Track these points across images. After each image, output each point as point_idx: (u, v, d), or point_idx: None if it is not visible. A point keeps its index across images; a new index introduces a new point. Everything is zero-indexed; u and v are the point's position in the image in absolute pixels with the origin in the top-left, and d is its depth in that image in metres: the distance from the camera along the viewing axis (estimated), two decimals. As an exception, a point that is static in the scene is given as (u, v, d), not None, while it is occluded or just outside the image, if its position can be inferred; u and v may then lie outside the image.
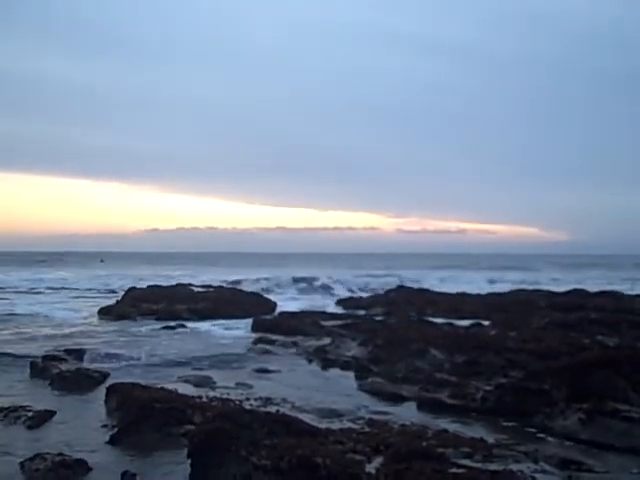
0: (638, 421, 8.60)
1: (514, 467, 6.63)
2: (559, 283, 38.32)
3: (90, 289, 40.28)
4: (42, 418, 9.56)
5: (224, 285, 36.53)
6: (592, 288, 28.81)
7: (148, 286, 32.36)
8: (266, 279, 44.09)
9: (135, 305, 25.46)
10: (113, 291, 37.79)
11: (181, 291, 30.69)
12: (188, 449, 7.09)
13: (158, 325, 21.29)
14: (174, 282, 37.50)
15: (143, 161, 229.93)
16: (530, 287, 33.92)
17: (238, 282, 39.65)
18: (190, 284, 35.88)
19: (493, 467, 6.52)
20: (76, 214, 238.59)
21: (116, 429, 8.73)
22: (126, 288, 32.01)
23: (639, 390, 9.73)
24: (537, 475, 6.45)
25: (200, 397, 10.03)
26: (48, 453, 7.61)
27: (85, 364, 13.79)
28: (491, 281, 46.65)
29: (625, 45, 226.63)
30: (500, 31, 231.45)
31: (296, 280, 43.48)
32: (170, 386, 11.00)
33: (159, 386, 10.84)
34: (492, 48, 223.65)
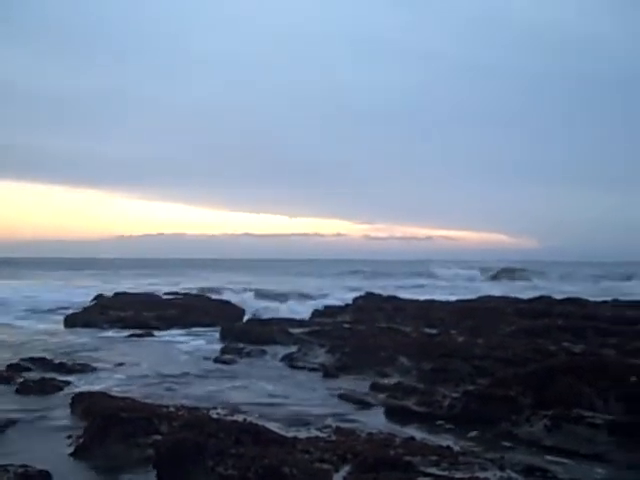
0: (602, 427, 8.69)
1: (480, 474, 6.65)
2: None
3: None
4: (4, 428, 9.42)
5: (194, 292, 36.30)
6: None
7: (115, 293, 32.04)
8: (234, 286, 44.01)
9: (103, 313, 25.17)
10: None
11: (149, 298, 30.47)
12: (154, 460, 7.04)
13: (126, 333, 21.12)
14: (142, 289, 37.28)
15: (109, 167, 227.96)
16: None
17: (210, 289, 39.41)
18: (157, 292, 35.70)
19: (459, 475, 6.55)
20: (38, 219, 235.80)
21: (81, 439, 8.60)
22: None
23: (603, 397, 9.84)
24: (503, 482, 6.48)
25: (167, 406, 9.93)
26: (11, 465, 7.48)
27: (50, 373, 13.62)
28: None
29: (568, 47, 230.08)
30: (467, 39, 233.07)
31: (264, 288, 43.44)
32: (137, 395, 10.92)
33: (125, 395, 10.75)
34: (459, 55, 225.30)
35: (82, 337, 20.31)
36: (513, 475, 6.93)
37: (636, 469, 7.77)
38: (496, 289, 41.15)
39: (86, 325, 23.22)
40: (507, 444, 8.93)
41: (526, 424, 9.46)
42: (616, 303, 25.53)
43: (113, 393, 10.89)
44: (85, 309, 26.51)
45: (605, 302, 26.11)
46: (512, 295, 30.07)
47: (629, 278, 64.15)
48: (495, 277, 66.28)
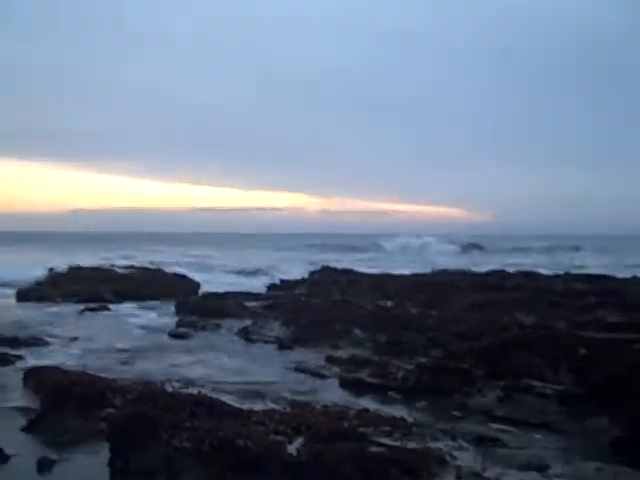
0: (552, 398, 8.88)
1: (432, 445, 6.75)
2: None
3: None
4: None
5: (149, 266, 35.96)
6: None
7: (69, 267, 31.61)
8: (193, 260, 43.85)
9: (56, 287, 24.86)
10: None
11: (103, 272, 30.15)
12: (107, 433, 7.00)
13: (80, 307, 20.86)
14: (97, 263, 36.82)
15: (66, 139, 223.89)
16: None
17: (165, 263, 39.08)
18: (112, 266, 35.33)
19: (412, 445, 6.63)
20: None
21: (33, 414, 8.54)
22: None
23: (554, 368, 10.04)
24: (454, 452, 6.58)
25: (121, 380, 9.89)
26: (-38, 441, 7.40)
27: (2, 347, 13.43)
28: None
29: (530, 24, 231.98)
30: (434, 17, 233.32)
31: (222, 260, 43.33)
32: (90, 369, 10.83)
33: (79, 369, 10.66)
34: (425, 33, 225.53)
35: (35, 311, 20.04)
36: (464, 445, 7.05)
37: (584, 438, 7.94)
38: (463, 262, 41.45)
39: (39, 299, 22.92)
40: (459, 415, 9.07)
41: (478, 395, 9.62)
42: (567, 276, 25.98)
43: (66, 367, 10.78)
44: (38, 283, 26.13)
45: (557, 276, 26.56)
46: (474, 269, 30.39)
47: (577, 249, 65.58)
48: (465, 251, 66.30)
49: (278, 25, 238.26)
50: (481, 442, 7.33)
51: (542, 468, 6.22)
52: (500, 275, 26.67)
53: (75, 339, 14.89)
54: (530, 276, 26.00)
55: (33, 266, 37.46)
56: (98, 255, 51.62)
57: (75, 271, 29.77)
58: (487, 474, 5.92)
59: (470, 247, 68.64)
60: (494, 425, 8.47)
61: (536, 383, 9.34)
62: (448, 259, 49.67)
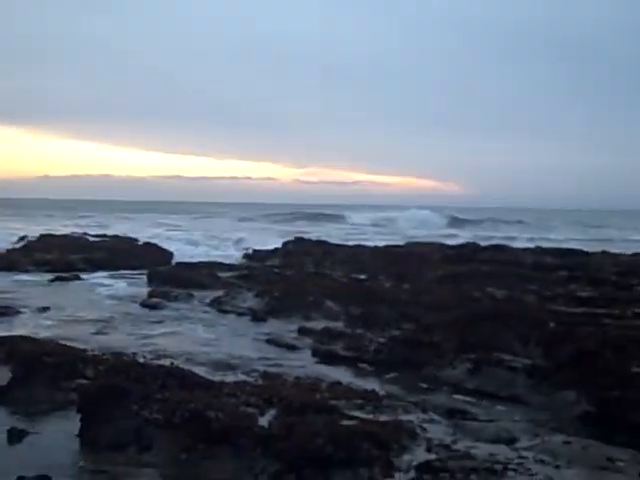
0: (521, 370, 8.98)
1: (403, 417, 6.80)
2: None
3: None
4: None
5: (121, 235, 35.67)
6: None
7: (41, 235, 31.29)
8: (164, 229, 43.63)
9: (27, 255, 24.58)
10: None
11: (75, 241, 29.88)
12: (78, 404, 6.96)
13: (51, 276, 20.65)
14: (69, 231, 36.50)
15: (32, 104, 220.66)
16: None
17: (137, 232, 38.82)
18: (85, 233, 35.04)
19: (383, 417, 6.68)
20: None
21: (3, 384, 8.46)
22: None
23: (523, 341, 10.14)
24: (425, 424, 6.64)
25: (92, 350, 9.83)
26: None
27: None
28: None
29: None
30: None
31: (194, 230, 43.17)
32: (62, 339, 10.75)
33: (50, 339, 10.58)
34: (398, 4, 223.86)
35: (4, 280, 19.83)
36: (435, 417, 7.11)
37: (553, 411, 8.05)
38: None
39: (9, 268, 22.59)
40: (430, 387, 9.16)
41: (449, 368, 9.70)
42: (538, 250, 26.15)
43: (37, 337, 10.69)
44: (8, 251, 25.87)
45: (528, 249, 26.74)
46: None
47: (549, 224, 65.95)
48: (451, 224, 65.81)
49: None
50: (451, 415, 7.40)
51: (511, 441, 6.28)
52: (471, 247, 26.80)
53: (46, 309, 14.75)
54: (501, 249, 26.14)
55: (3, 234, 37.05)
56: (69, 223, 51.19)
57: (46, 239, 29.48)
58: (457, 446, 5.98)
59: (455, 220, 68.31)
60: (464, 398, 8.57)
61: (506, 356, 9.44)
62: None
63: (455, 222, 65.43)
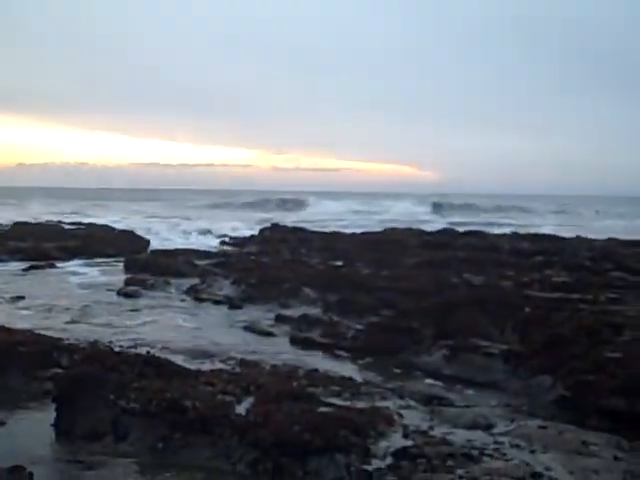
0: (497, 356, 9.04)
1: (381, 404, 6.81)
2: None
3: None
4: None
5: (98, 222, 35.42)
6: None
7: (15, 223, 30.97)
8: (141, 217, 43.34)
9: (0, 244, 24.30)
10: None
11: (50, 228, 29.62)
12: (53, 394, 6.91)
13: (26, 264, 20.43)
14: (43, 219, 36.21)
15: (4, 91, 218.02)
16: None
17: (115, 220, 38.60)
18: (60, 221, 34.76)
19: (361, 404, 6.69)
20: None
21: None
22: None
23: (500, 327, 10.20)
24: (402, 411, 6.65)
25: (68, 339, 9.75)
26: None
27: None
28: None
29: None
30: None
31: (170, 218, 42.97)
32: (37, 328, 10.65)
33: (25, 328, 10.47)
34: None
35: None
36: (412, 403, 7.13)
37: (527, 395, 8.11)
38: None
39: (-18, 257, 22.37)
40: (408, 374, 9.19)
41: (426, 354, 9.75)
42: (514, 235, 26.33)
43: (12, 326, 10.59)
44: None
45: (504, 235, 26.91)
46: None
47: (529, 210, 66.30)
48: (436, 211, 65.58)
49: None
50: (428, 401, 7.43)
51: (487, 426, 6.32)
52: (449, 233, 26.93)
53: (21, 298, 14.61)
54: (478, 235, 26.29)
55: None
56: (44, 211, 50.74)
57: (20, 227, 29.19)
58: (434, 432, 6.00)
59: (440, 207, 68.32)
60: (441, 384, 8.61)
61: (482, 342, 9.50)
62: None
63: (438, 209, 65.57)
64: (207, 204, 73.14)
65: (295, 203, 70.41)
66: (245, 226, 36.41)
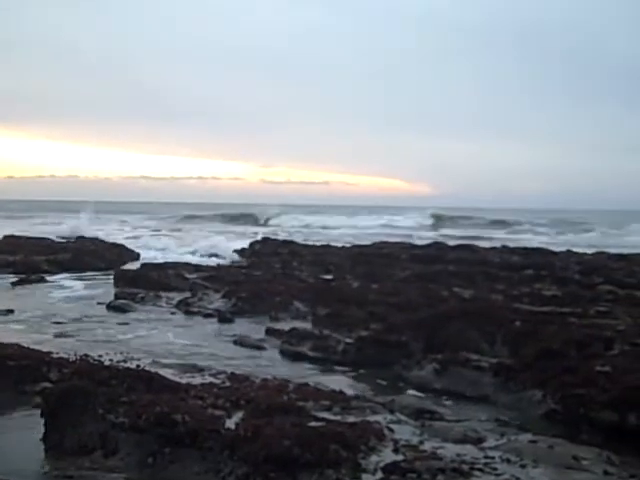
0: (487, 370, 9.04)
1: (371, 418, 6.80)
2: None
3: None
4: None
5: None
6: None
7: (4, 236, 30.84)
8: (131, 230, 43.25)
9: (-11, 257, 24.19)
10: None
11: (40, 242, 29.53)
12: (42, 408, 6.87)
13: (15, 278, 20.33)
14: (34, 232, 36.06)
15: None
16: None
17: (107, 234, 38.48)
18: (49, 234, 34.62)
19: (351, 419, 6.67)
20: None
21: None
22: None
23: (489, 340, 10.23)
24: (392, 425, 6.64)
25: (57, 353, 9.70)
26: None
27: None
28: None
29: None
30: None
31: (161, 231, 42.91)
32: (26, 342, 10.59)
33: (13, 342, 10.42)
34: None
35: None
36: (402, 417, 7.12)
37: (518, 409, 8.12)
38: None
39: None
40: (398, 388, 9.18)
41: (416, 368, 9.74)
42: (504, 249, 26.39)
43: (0, 340, 10.53)
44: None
45: (494, 248, 26.97)
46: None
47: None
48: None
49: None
50: (419, 415, 7.41)
51: (478, 441, 6.31)
52: (439, 247, 26.96)
53: (10, 311, 14.54)
54: (468, 248, 26.33)
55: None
56: (34, 224, 50.60)
57: (10, 240, 29.08)
58: (424, 447, 5.99)
59: (439, 221, 67.97)
60: (432, 398, 8.60)
61: (473, 356, 9.50)
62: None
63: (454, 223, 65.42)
64: (197, 217, 72.86)
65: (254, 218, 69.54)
66: (235, 238, 36.29)
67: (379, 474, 5.39)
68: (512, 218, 70.54)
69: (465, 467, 5.41)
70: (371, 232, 48.94)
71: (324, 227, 59.26)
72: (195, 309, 15.11)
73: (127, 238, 36.33)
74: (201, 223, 62.80)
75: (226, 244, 30.52)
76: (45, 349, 9.98)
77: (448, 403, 8.41)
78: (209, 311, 14.80)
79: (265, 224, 63.54)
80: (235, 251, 28.35)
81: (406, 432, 6.47)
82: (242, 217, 69.93)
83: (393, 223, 62.83)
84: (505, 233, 52.36)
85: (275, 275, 19.27)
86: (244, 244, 30.31)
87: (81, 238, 32.43)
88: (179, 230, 47.49)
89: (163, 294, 16.73)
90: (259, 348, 11.60)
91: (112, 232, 41.66)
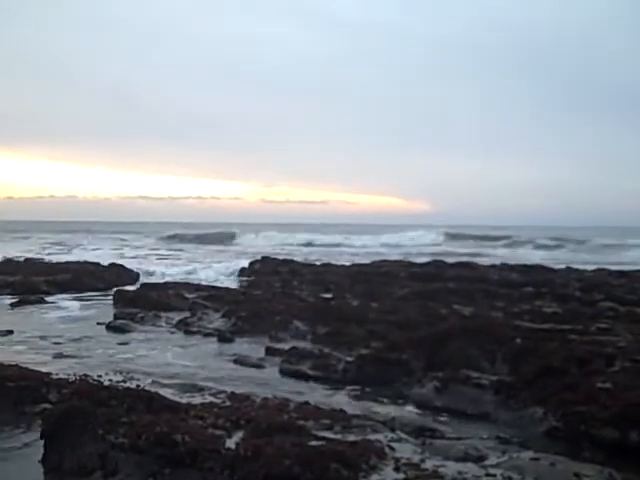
0: (488, 387, 9.01)
1: (372, 437, 6.77)
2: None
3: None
4: None
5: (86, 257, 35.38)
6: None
7: (4, 258, 30.88)
8: (130, 250, 43.27)
9: (-12, 278, 24.18)
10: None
11: (39, 263, 29.55)
12: (41, 429, 6.84)
13: (14, 299, 20.30)
14: (33, 254, 36.12)
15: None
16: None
17: (103, 255, 38.57)
18: (49, 255, 34.64)
19: (352, 437, 6.64)
20: None
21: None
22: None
23: (490, 358, 10.20)
24: (393, 443, 6.60)
25: (57, 374, 9.68)
26: None
27: None
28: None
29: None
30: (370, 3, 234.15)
31: (159, 251, 42.95)
32: (25, 363, 10.57)
33: (13, 363, 10.39)
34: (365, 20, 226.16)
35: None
36: (403, 436, 7.09)
37: (519, 427, 8.09)
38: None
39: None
40: (399, 406, 9.13)
41: (417, 386, 9.71)
42: (504, 267, 26.39)
43: (-1, 361, 10.51)
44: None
45: (493, 266, 26.97)
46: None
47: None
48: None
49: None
50: (419, 433, 7.39)
51: (479, 458, 6.28)
52: (438, 265, 26.97)
53: (9, 332, 14.51)
54: (468, 266, 26.35)
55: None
56: (32, 245, 50.61)
57: (9, 262, 29.13)
58: (425, 465, 5.95)
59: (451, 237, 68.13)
60: (432, 416, 8.57)
61: (473, 373, 9.47)
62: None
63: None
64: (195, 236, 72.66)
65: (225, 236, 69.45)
66: (233, 258, 36.33)
67: (380, 493, 5.36)
68: (514, 233, 70.58)
69: (467, 485, 5.38)
70: (375, 251, 48.70)
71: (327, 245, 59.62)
72: (195, 329, 15.09)
73: (125, 257, 36.36)
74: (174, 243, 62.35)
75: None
76: (45, 370, 9.97)
77: (449, 421, 8.37)
78: (209, 331, 14.77)
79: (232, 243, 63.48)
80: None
81: (407, 450, 6.44)
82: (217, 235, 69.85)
83: (403, 242, 62.45)
84: (511, 249, 52.40)
85: (275, 294, 19.25)
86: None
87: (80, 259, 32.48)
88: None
89: (163, 314, 16.72)
90: (259, 367, 11.57)
91: (110, 252, 41.68)
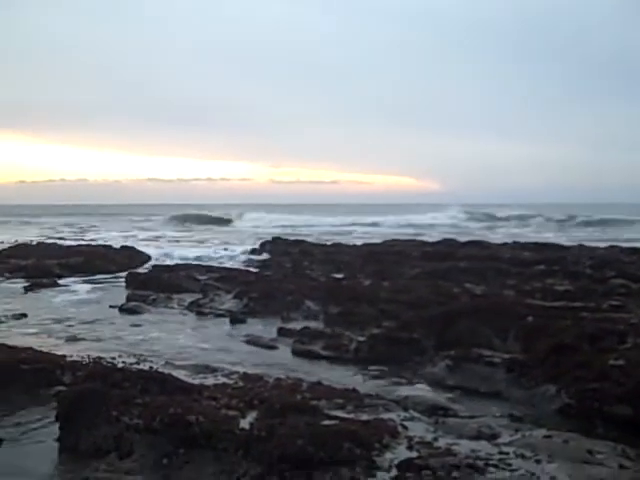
0: (500, 366, 9.02)
1: (384, 415, 6.80)
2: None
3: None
4: None
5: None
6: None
7: (17, 241, 31.02)
8: (143, 232, 43.38)
9: (2, 262, 24.33)
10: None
11: (52, 246, 29.65)
12: (57, 411, 6.89)
13: (27, 282, 20.40)
14: (48, 237, 36.28)
15: (6, 110, 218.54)
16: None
17: (115, 237, 38.70)
18: (62, 238, 34.77)
19: (364, 417, 6.68)
20: None
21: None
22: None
23: (502, 336, 10.20)
24: (406, 422, 6.64)
25: (71, 356, 9.74)
26: None
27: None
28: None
29: None
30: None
31: (171, 232, 43.02)
32: (39, 346, 10.64)
33: (27, 346, 10.46)
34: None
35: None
36: (416, 415, 7.11)
37: (531, 405, 8.10)
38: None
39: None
40: (411, 385, 9.15)
41: (429, 365, 9.74)
42: (515, 245, 26.33)
43: (14, 344, 10.57)
44: (-17, 258, 25.57)
45: (505, 244, 26.91)
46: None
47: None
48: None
49: None
50: (432, 412, 7.41)
51: (492, 436, 6.30)
52: (450, 244, 26.93)
53: (23, 315, 14.60)
54: (479, 245, 26.30)
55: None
56: (46, 227, 50.80)
57: (22, 245, 29.24)
58: (438, 443, 5.98)
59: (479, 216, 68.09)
60: (445, 394, 8.57)
61: (485, 352, 9.48)
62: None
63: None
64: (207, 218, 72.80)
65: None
66: (245, 239, 36.36)
67: (394, 471, 5.39)
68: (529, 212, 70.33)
69: (480, 463, 5.40)
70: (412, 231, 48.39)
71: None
72: (207, 310, 15.14)
73: (136, 240, 36.48)
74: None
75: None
76: (59, 352, 10.03)
77: (461, 399, 8.38)
78: (221, 312, 14.82)
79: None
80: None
81: (420, 429, 6.47)
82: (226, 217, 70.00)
83: (433, 221, 62.33)
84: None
85: (286, 275, 19.28)
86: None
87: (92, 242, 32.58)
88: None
89: (175, 296, 16.78)
90: (271, 348, 11.61)
91: (121, 234, 41.81)
